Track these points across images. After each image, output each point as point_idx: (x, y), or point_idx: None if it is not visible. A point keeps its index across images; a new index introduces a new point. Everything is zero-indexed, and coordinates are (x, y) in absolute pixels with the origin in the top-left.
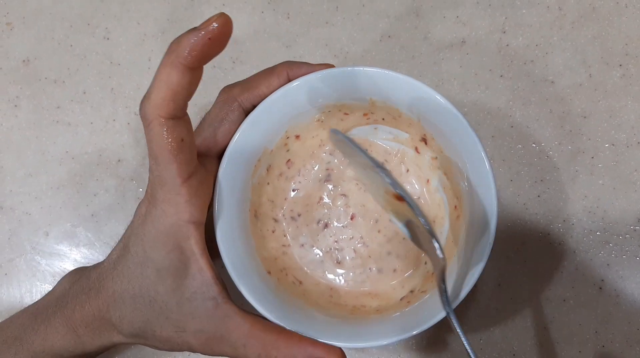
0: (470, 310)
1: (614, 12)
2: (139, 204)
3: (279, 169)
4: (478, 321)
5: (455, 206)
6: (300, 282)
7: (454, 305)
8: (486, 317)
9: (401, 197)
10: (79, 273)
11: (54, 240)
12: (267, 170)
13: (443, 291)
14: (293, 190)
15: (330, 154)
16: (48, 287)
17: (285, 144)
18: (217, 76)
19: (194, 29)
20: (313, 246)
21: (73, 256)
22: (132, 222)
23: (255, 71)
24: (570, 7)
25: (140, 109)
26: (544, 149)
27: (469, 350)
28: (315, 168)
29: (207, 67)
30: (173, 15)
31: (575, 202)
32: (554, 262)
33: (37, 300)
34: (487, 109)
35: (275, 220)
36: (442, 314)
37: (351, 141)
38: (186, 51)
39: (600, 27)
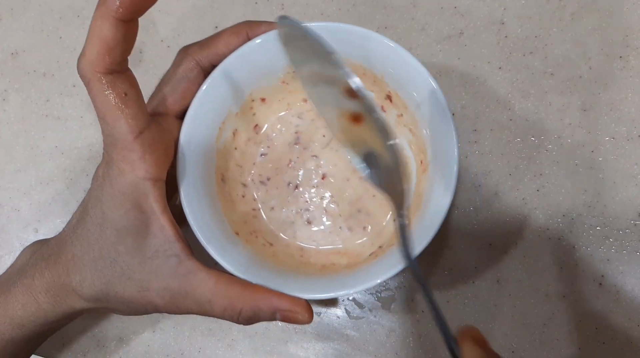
0: (468, 306)
1: (615, 2)
2: (97, 168)
3: (247, 134)
4: (476, 317)
5: (421, 161)
6: (271, 244)
7: (419, 250)
8: (485, 313)
9: (355, 93)
10: (40, 244)
11: (44, 237)
12: (234, 134)
13: (402, 228)
14: (261, 155)
15: (298, 117)
16: None
17: (251, 108)
18: None
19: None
20: (283, 208)
21: None
22: (90, 186)
23: None
24: None
25: (77, 68)
26: (543, 143)
27: (431, 301)
28: (284, 132)
29: None
30: (163, 6)
31: (575, 196)
32: (554, 257)
33: None
34: (485, 101)
35: (244, 185)
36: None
37: (301, 26)
38: (116, 3)
39: (600, 19)
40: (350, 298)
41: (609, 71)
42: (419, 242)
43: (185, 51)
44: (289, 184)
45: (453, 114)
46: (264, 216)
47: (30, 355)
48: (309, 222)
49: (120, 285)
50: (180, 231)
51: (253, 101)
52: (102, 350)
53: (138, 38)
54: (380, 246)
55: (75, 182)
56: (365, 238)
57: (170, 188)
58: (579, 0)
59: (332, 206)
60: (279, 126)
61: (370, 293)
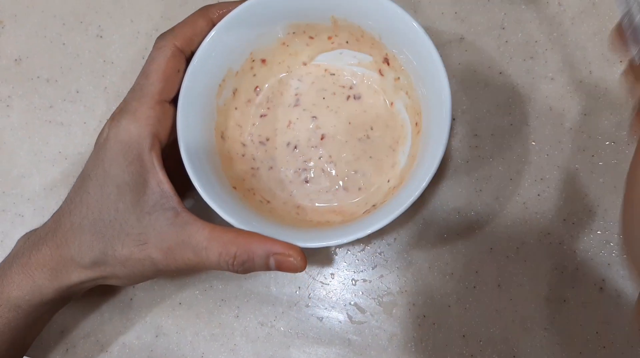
0: (469, 311)
1: (614, 7)
2: (101, 132)
3: (247, 95)
4: (478, 321)
5: (416, 123)
6: (268, 201)
7: (414, 197)
8: (486, 318)
9: None
10: (34, 230)
11: None
12: (234, 94)
13: None
14: (261, 116)
15: (298, 80)
16: None
17: (252, 68)
18: None
19: (232, 2)
20: (282, 168)
21: None
22: (90, 156)
23: None
24: (570, 2)
25: (158, 38)
26: (544, 148)
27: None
28: (284, 94)
29: None
30: (167, 13)
31: (576, 201)
32: (554, 262)
33: None
34: (486, 106)
35: (244, 144)
36: (401, 208)
37: None
38: (217, 12)
39: (600, 23)
40: (352, 302)
41: (609, 75)
42: (419, 182)
43: (162, 38)
44: (288, 144)
45: (454, 119)
46: (263, 175)
47: (29, 347)
48: (307, 181)
49: (119, 242)
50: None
51: (253, 61)
52: (106, 355)
53: None
54: (374, 205)
55: None
56: (360, 198)
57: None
58: (579, 5)
59: (330, 166)
60: (279, 88)
61: (372, 298)
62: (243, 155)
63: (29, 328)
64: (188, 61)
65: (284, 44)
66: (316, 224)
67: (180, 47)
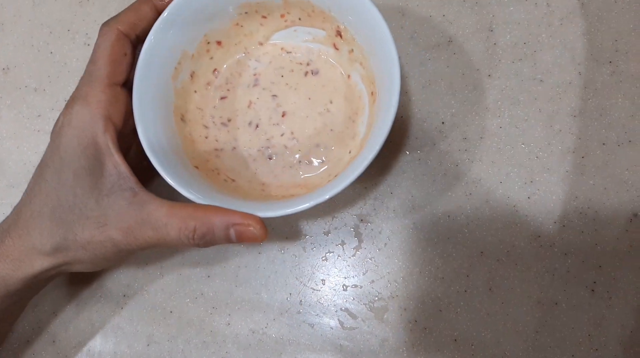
0: (461, 315)
1: (603, 7)
2: (55, 123)
3: (206, 78)
4: (469, 325)
5: (372, 92)
6: (233, 180)
7: (369, 161)
8: (477, 321)
9: None
10: None
11: None
12: (191, 76)
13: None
14: (222, 98)
15: (256, 60)
16: (32, 301)
17: (208, 51)
18: None
19: None
20: (245, 147)
21: None
22: (47, 146)
23: None
24: (559, 3)
25: (102, 25)
26: (534, 150)
27: None
28: (242, 75)
29: None
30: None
31: (566, 203)
32: (545, 265)
33: (21, 314)
34: (474, 109)
35: (206, 127)
36: (356, 173)
37: None
38: None
39: (589, 24)
40: (343, 308)
41: (599, 76)
42: (373, 146)
43: (106, 24)
44: (249, 123)
45: (443, 123)
46: (226, 156)
47: (2, 341)
48: (270, 158)
49: (79, 226)
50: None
51: (209, 43)
52: None
53: None
54: (336, 176)
55: None
56: (322, 170)
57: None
58: (567, 6)
59: (293, 142)
60: (237, 69)
61: (363, 304)
62: (206, 137)
63: None
64: (134, 46)
65: (237, 24)
66: (281, 198)
67: (124, 32)
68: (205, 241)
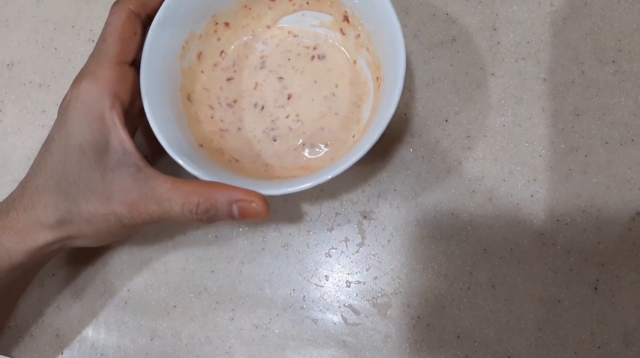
0: (463, 312)
1: (607, 7)
2: (62, 99)
3: (213, 59)
4: (472, 322)
5: (377, 78)
6: (237, 160)
7: (371, 143)
8: (480, 319)
9: None
10: (5, 199)
11: None
12: (198, 57)
13: None
14: (228, 79)
15: (263, 43)
16: (36, 295)
17: (215, 32)
18: None
19: None
20: (250, 128)
21: (58, 262)
22: (55, 121)
23: None
24: (562, 2)
25: (113, 4)
26: (537, 148)
27: None
28: (249, 57)
29: None
30: None
31: (569, 201)
32: (548, 262)
33: (24, 308)
34: (478, 107)
35: (212, 107)
36: (358, 155)
37: None
38: None
39: (592, 23)
40: (347, 304)
41: (602, 76)
42: (377, 128)
43: (117, 3)
44: (255, 105)
45: (446, 121)
46: (231, 136)
47: (6, 317)
48: (275, 140)
49: (84, 199)
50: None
51: (217, 24)
52: None
53: None
54: (339, 159)
55: None
56: (325, 153)
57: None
58: (570, 5)
59: (297, 124)
60: (244, 51)
61: (367, 300)
62: (212, 117)
63: (2, 297)
64: (144, 25)
65: (245, 6)
66: (283, 179)
67: (135, 11)
68: (209, 216)
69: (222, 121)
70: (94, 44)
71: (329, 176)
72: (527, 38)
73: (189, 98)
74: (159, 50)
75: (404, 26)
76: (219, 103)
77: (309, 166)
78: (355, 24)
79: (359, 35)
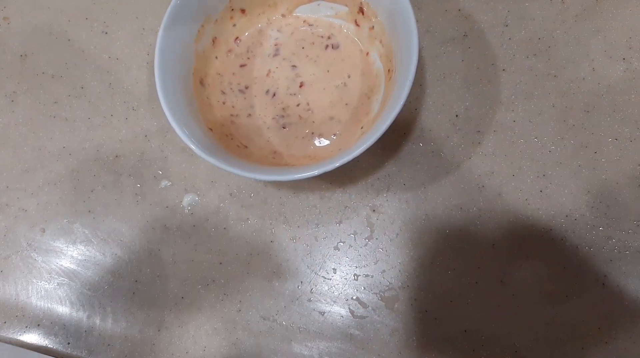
0: (471, 306)
1: (618, 4)
2: None
3: (227, 45)
4: (480, 317)
5: (389, 70)
6: (246, 146)
7: (380, 133)
8: (488, 313)
9: None
10: None
11: (51, 237)
12: (213, 42)
13: None
14: (241, 65)
15: (278, 31)
16: (44, 284)
17: (231, 18)
18: None
19: None
20: (260, 114)
21: (70, 253)
22: None
23: None
24: None
25: None
26: (547, 144)
27: None
28: (263, 44)
29: None
30: None
31: (578, 197)
32: (557, 258)
33: (32, 297)
34: (489, 103)
35: (224, 92)
36: (364, 146)
37: None
38: None
39: (603, 20)
40: (354, 297)
41: (612, 73)
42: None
43: None
44: (267, 92)
45: (457, 116)
46: (242, 122)
47: None
48: (284, 127)
49: None
50: None
51: (233, 10)
52: (108, 349)
53: None
54: (346, 149)
55: (83, 183)
56: (333, 143)
57: None
58: (582, 3)
59: (308, 113)
60: (258, 38)
61: (374, 293)
62: (223, 102)
63: None
64: None
65: None
66: (291, 166)
67: None
68: None
69: (233, 106)
70: (107, 36)
71: (337, 164)
72: (538, 34)
73: (201, 82)
74: (175, 31)
75: (416, 21)
76: (231, 89)
77: (316, 155)
78: (370, 16)
79: (372, 27)
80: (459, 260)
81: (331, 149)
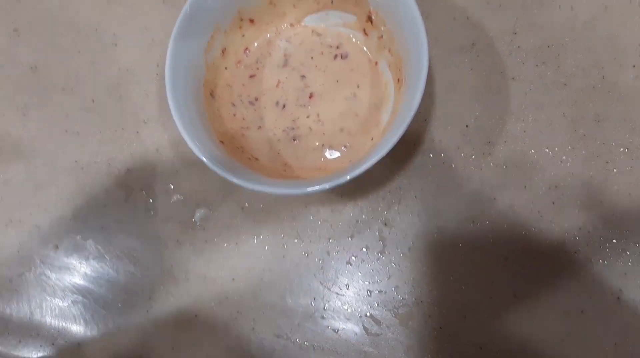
0: (486, 322)
1: (627, 11)
2: None
3: (236, 56)
4: (494, 333)
5: (398, 79)
6: (256, 159)
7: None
8: (502, 329)
9: None
10: None
11: (64, 253)
12: (222, 52)
13: None
14: (250, 76)
15: (287, 41)
16: (58, 302)
17: (240, 28)
18: None
19: None
20: (271, 127)
21: (83, 269)
22: None
23: None
24: (582, 6)
25: None
26: (558, 154)
27: None
28: (272, 54)
29: None
30: None
31: (591, 209)
32: (570, 271)
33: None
34: (498, 113)
35: (234, 104)
36: (376, 157)
37: None
38: None
39: (612, 28)
40: (368, 314)
41: (622, 81)
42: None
43: None
44: (276, 103)
45: (467, 126)
46: (252, 135)
47: None
48: (294, 139)
49: None
50: None
51: (242, 20)
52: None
53: None
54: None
55: (95, 198)
56: (344, 154)
57: None
58: (590, 10)
59: (318, 124)
60: (267, 49)
61: (388, 310)
62: (234, 115)
63: None
64: None
65: (271, 3)
66: (302, 179)
67: None
68: None
69: (243, 119)
70: (117, 48)
71: (348, 177)
72: (547, 42)
73: (212, 94)
74: (186, 42)
75: (425, 29)
76: (241, 100)
77: (327, 168)
78: (379, 25)
79: (381, 36)
80: (472, 275)
81: (342, 161)
